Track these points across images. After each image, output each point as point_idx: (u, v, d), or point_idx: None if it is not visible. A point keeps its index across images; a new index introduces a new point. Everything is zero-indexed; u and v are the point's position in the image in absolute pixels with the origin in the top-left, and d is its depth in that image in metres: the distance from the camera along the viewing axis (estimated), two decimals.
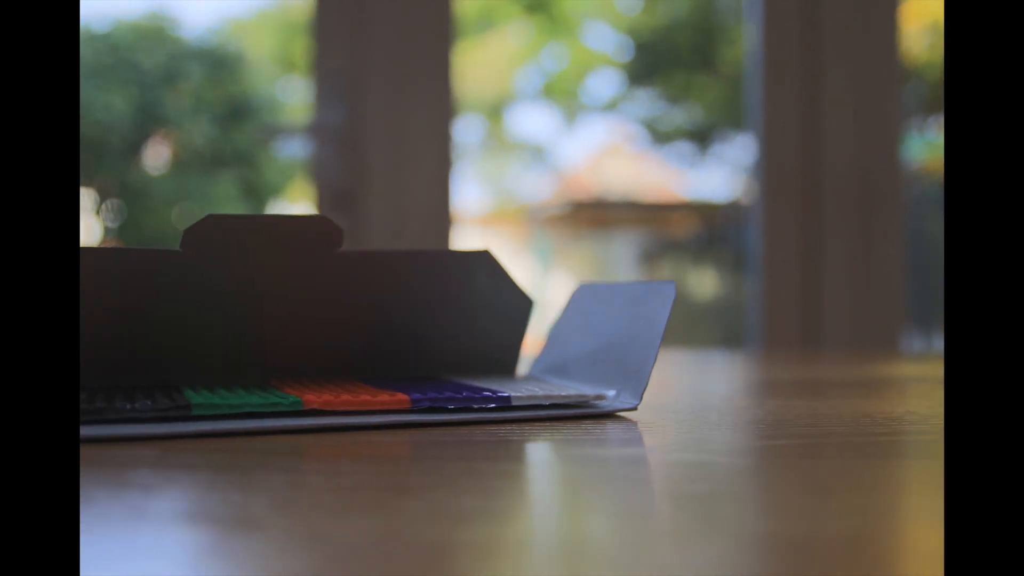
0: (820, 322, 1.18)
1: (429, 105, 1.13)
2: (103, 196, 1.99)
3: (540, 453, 0.26)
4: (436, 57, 1.13)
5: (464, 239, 1.20)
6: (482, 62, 2.58)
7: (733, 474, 0.23)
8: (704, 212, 2.72)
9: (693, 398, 0.39)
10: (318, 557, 0.16)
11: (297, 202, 2.42)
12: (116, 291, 0.33)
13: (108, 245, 0.32)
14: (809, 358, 0.71)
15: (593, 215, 2.87)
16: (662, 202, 2.97)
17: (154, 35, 2.02)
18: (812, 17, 1.19)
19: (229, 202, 2.04)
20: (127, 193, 1.98)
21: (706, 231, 2.64)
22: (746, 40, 2.26)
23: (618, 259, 2.83)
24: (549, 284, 2.84)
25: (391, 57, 1.12)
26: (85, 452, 0.26)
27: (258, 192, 2.13)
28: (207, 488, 0.21)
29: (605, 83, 2.96)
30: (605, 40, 2.92)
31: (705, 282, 2.49)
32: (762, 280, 1.19)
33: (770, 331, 1.18)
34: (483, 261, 0.36)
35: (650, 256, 2.80)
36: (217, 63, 2.09)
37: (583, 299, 0.39)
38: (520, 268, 2.79)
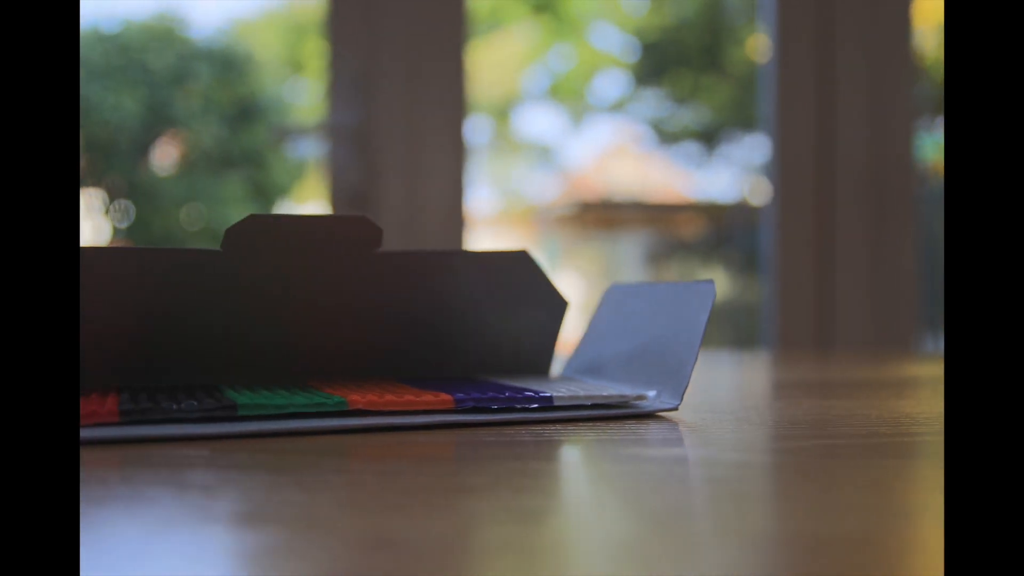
0: (833, 323, 1.17)
1: (442, 104, 1.13)
2: (112, 196, 1.99)
3: (591, 454, 0.26)
4: (449, 56, 1.13)
5: (475, 240, 1.20)
6: (489, 63, 2.58)
7: (787, 474, 0.23)
8: (711, 213, 2.72)
9: (728, 398, 0.39)
10: (395, 558, 0.16)
11: (305, 202, 2.43)
12: (155, 291, 0.33)
13: (150, 246, 0.32)
14: (833, 359, 0.71)
15: (600, 216, 2.87)
16: (669, 202, 2.97)
17: (163, 36, 2.03)
18: (826, 17, 1.18)
19: (237, 202, 2.04)
20: (136, 193, 1.98)
21: (714, 232, 2.64)
22: (759, 39, 2.25)
23: (625, 259, 2.83)
24: (558, 284, 2.84)
25: (404, 57, 1.12)
26: (135, 452, 0.26)
27: (266, 192, 2.13)
28: (267, 488, 0.21)
29: (612, 84, 2.96)
30: (612, 41, 2.92)
31: (714, 283, 2.48)
32: (776, 281, 1.18)
33: (784, 332, 1.18)
34: (521, 261, 0.36)
35: (657, 257, 2.80)
36: (226, 64, 2.09)
37: (617, 299, 0.39)
38: None
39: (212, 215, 1.98)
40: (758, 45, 2.55)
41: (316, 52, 2.61)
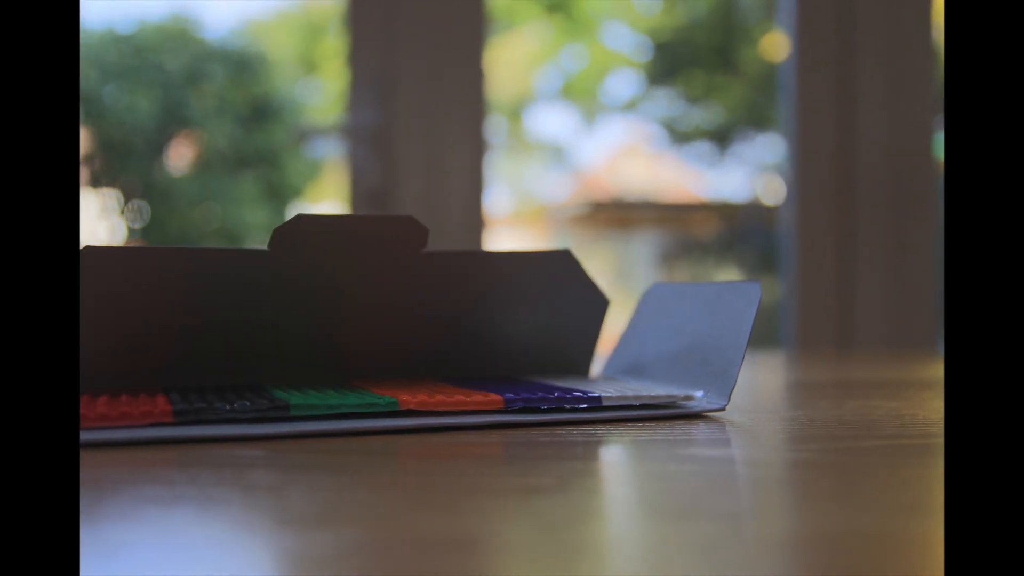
0: (853, 323, 1.17)
1: (462, 104, 1.13)
2: (127, 197, 2.00)
3: (650, 455, 0.26)
4: (469, 55, 1.13)
5: (493, 239, 1.20)
6: (502, 62, 2.58)
7: (853, 473, 0.23)
8: (724, 212, 2.72)
9: (769, 398, 0.39)
10: (480, 558, 0.16)
11: (320, 202, 2.43)
12: (201, 291, 0.33)
13: (196, 246, 0.32)
14: (860, 359, 0.71)
15: (613, 215, 2.87)
16: (682, 202, 2.97)
17: (178, 37, 2.03)
18: (845, 13, 1.18)
19: (252, 203, 2.04)
20: (151, 194, 1.98)
21: (727, 231, 2.63)
22: (776, 38, 2.24)
23: (638, 259, 2.83)
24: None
25: (424, 57, 1.12)
26: (193, 452, 0.26)
27: (281, 193, 2.13)
28: (334, 489, 0.21)
29: (624, 83, 2.96)
30: (624, 40, 2.92)
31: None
32: (795, 280, 1.18)
33: (803, 332, 1.17)
34: (564, 261, 0.36)
35: (670, 256, 2.79)
36: (240, 64, 2.09)
37: (657, 299, 0.39)
38: None
39: (227, 215, 1.98)
40: (771, 44, 2.54)
41: (330, 52, 2.61)
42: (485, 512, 0.19)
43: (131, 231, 1.99)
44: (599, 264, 2.85)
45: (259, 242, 2.10)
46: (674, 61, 2.74)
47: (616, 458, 0.26)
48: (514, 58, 2.62)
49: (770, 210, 2.45)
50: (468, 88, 1.13)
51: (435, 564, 0.16)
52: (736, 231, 2.56)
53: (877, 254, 1.18)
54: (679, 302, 0.37)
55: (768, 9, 2.56)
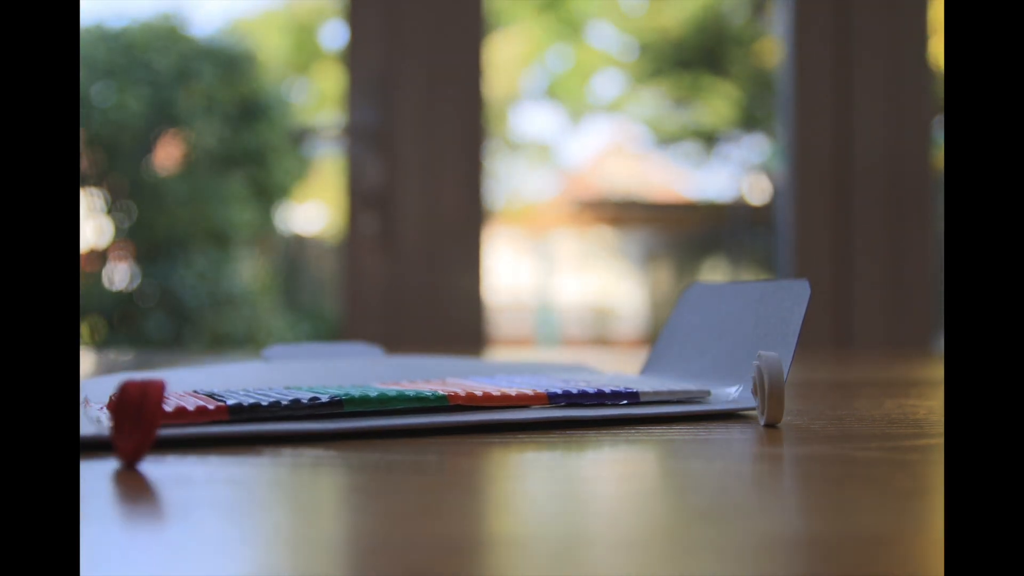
0: (851, 323, 1.18)
1: (460, 102, 1.13)
2: (115, 196, 1.98)
3: (727, 453, 0.26)
4: (468, 54, 1.13)
5: (491, 237, 1.20)
6: (489, 62, 2.58)
7: (929, 469, 0.23)
8: (710, 212, 2.73)
9: (807, 398, 0.39)
10: (601, 559, 0.16)
11: (308, 201, 2.42)
12: None
13: None
14: (870, 359, 0.71)
15: (599, 215, 2.88)
16: (668, 202, 2.98)
17: (166, 35, 2.01)
18: (842, 16, 1.19)
19: (240, 202, 2.02)
20: (139, 193, 1.97)
21: (712, 231, 2.64)
22: (766, 40, 2.25)
23: (624, 258, 2.83)
24: (555, 284, 2.84)
25: (424, 55, 1.12)
26: (254, 451, 0.25)
27: (269, 192, 2.12)
28: (425, 491, 0.21)
29: (610, 83, 2.96)
30: (610, 41, 2.93)
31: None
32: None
33: (801, 331, 1.18)
34: None
35: (656, 255, 2.80)
36: (228, 63, 2.08)
37: (697, 298, 0.39)
38: (526, 268, 2.79)
39: (215, 215, 1.97)
40: (759, 46, 2.56)
41: (319, 52, 2.61)
42: (607, 514, 0.19)
43: (118, 231, 1.97)
44: (585, 263, 2.86)
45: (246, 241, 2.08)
46: (660, 62, 2.75)
47: (700, 457, 0.26)
48: (501, 58, 2.62)
49: (756, 209, 2.47)
50: (467, 87, 1.13)
51: (564, 565, 0.16)
52: (722, 230, 2.57)
53: (874, 254, 1.18)
54: (721, 301, 0.37)
55: (756, 11, 2.57)
